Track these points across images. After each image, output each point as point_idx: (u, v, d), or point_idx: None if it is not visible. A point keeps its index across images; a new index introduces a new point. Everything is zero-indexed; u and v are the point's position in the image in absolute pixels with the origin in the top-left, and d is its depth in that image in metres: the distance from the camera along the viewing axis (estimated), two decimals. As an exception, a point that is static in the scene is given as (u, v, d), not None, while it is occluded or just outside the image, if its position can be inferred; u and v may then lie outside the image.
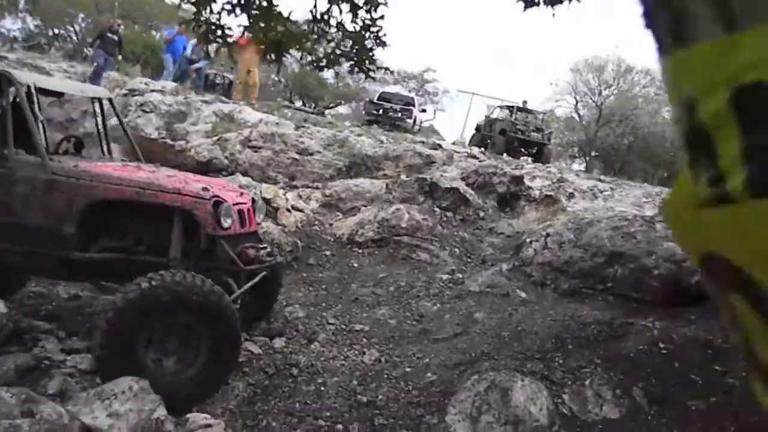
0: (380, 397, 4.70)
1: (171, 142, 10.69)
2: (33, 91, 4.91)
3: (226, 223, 4.88)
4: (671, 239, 7.25)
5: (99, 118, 5.96)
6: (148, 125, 11.09)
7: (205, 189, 4.88)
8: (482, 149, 20.61)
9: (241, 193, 5.64)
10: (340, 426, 4.27)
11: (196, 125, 11.17)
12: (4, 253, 4.72)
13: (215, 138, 10.85)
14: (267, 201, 8.13)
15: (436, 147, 11.81)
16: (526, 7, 6.30)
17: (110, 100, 6.01)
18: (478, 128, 22.74)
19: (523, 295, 7.27)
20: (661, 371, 5.33)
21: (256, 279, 5.07)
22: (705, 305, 6.79)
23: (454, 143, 15.56)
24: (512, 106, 21.82)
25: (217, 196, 4.89)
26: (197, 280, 4.16)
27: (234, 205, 5.06)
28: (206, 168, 10.30)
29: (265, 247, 5.41)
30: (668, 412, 4.88)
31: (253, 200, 5.67)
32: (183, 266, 4.54)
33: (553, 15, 6.40)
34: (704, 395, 5.09)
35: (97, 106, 6.01)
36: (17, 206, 4.65)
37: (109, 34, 14.26)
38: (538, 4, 6.38)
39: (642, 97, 33.59)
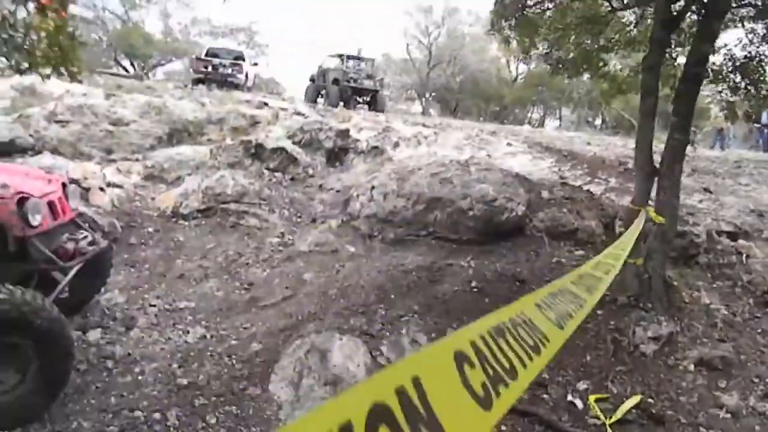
0: (201, 377, 4.65)
1: (-39, 125, 9.59)
2: None
3: (36, 220, 4.39)
4: (483, 181, 7.73)
5: None
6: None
7: (4, 186, 4.36)
8: (317, 101, 20.62)
9: (49, 180, 5.09)
10: (157, 414, 4.19)
11: (-9, 102, 10.09)
12: None
13: (16, 115, 9.88)
14: (75, 182, 7.58)
15: (262, 106, 11.58)
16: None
17: None
18: (312, 79, 22.52)
19: (352, 249, 7.45)
20: (473, 309, 5.73)
21: (73, 272, 4.68)
22: (515, 239, 7.38)
23: (284, 99, 15.30)
24: (342, 55, 21.77)
25: (21, 192, 4.38)
26: (24, 297, 3.78)
27: (42, 197, 4.57)
28: (9, 149, 9.39)
29: (85, 236, 5.04)
30: (478, 346, 5.28)
31: (64, 185, 5.21)
32: None
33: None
34: (510, 326, 5.55)
35: None
36: None
37: None
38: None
39: (468, 36, 34.88)
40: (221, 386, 4.60)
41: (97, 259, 5.10)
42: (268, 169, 9.32)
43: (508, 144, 11.09)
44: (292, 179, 9.37)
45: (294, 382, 4.57)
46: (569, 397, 4.86)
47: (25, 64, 3.05)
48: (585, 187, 8.87)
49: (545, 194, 7.98)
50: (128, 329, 5.38)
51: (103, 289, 6.03)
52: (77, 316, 5.49)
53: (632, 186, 9.46)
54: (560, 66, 6.57)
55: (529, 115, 37.79)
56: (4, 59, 3.01)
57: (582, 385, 5.01)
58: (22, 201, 4.35)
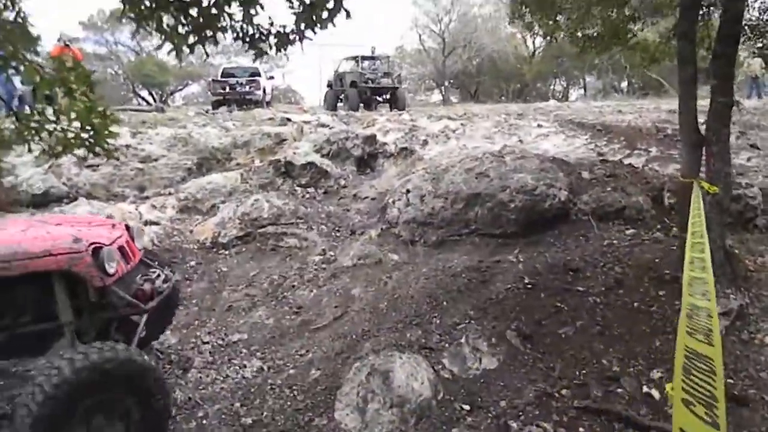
0: (265, 413, 4.58)
1: (-4, 182, 9.74)
2: None
3: (112, 269, 4.40)
4: (520, 170, 7.53)
5: None
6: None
7: (77, 240, 4.29)
8: (337, 106, 20.54)
9: (113, 225, 5.07)
10: (228, 458, 4.15)
11: (21, 156, 10.22)
12: None
13: (47, 165, 10.00)
14: (114, 226, 7.62)
15: (285, 122, 11.52)
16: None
17: None
18: (329, 85, 22.44)
19: (396, 257, 7.33)
20: (529, 306, 5.56)
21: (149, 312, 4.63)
22: (561, 226, 7.17)
23: (305, 111, 15.24)
24: (357, 56, 21.63)
25: (93, 242, 4.38)
26: (127, 353, 3.85)
27: (112, 244, 4.54)
28: (44, 200, 9.52)
29: (158, 274, 5.03)
30: (541, 346, 5.11)
31: (128, 227, 5.22)
32: (76, 327, 4.21)
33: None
34: (571, 320, 5.37)
35: None
36: None
37: None
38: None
39: (480, 17, 34.40)
40: (286, 420, 4.52)
41: (168, 296, 5.10)
42: (300, 186, 9.26)
43: (539, 126, 10.83)
44: (325, 193, 9.29)
45: (359, 408, 4.46)
46: (644, 389, 4.66)
47: (59, 148, 2.99)
48: (626, 161, 8.59)
49: (586, 175, 7.73)
50: (185, 371, 5.34)
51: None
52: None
53: (675, 153, 9.15)
54: (588, 44, 6.34)
55: (551, 88, 37.16)
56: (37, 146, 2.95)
57: (656, 374, 4.79)
58: (96, 251, 4.35)
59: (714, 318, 1.87)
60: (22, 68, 2.71)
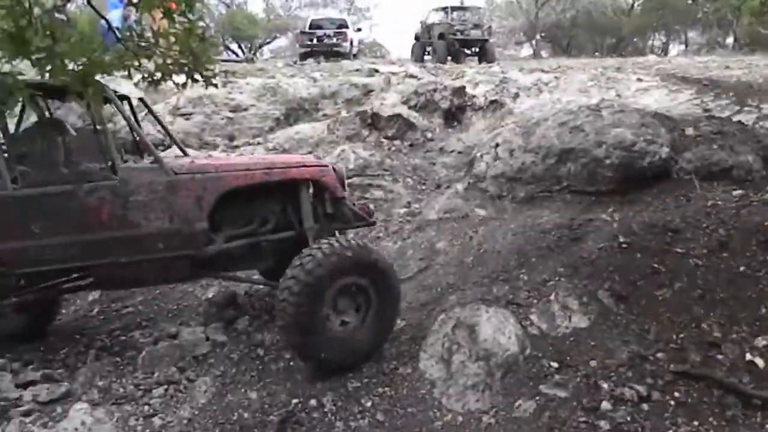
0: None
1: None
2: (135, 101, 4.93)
3: (345, 186, 5.26)
4: (618, 125, 7.15)
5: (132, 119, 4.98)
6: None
7: (318, 158, 5.27)
8: (424, 58, 20.19)
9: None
10: (313, 401, 4.20)
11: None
12: (117, 268, 4.50)
13: (142, 114, 10.36)
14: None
15: (373, 73, 11.41)
16: None
17: (141, 99, 5.25)
18: (416, 37, 22.05)
19: (482, 212, 7.19)
20: (624, 266, 5.31)
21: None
22: (661, 185, 6.79)
23: (392, 63, 15.06)
24: (446, 7, 21.08)
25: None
26: (363, 246, 4.55)
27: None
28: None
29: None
30: (636, 307, 4.89)
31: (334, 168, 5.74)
32: (317, 233, 4.90)
33: None
34: (669, 282, 5.10)
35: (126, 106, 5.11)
36: (134, 217, 4.42)
37: None
38: None
39: (576, -33, 32.71)
40: (371, 367, 4.57)
41: None
42: (386, 137, 9.18)
43: (639, 80, 10.24)
44: (411, 145, 9.18)
45: (444, 359, 4.44)
46: (748, 356, 4.38)
47: (158, 74, 3.00)
48: (734, 119, 8.00)
49: (690, 131, 7.24)
50: (273, 315, 5.47)
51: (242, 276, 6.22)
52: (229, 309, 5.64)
53: (790, 110, 8.45)
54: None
55: (650, 43, 35.12)
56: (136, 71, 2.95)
57: (761, 342, 4.49)
58: (334, 168, 5.18)
59: None
60: None
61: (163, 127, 5.45)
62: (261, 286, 5.96)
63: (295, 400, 4.26)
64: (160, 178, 4.47)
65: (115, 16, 11.29)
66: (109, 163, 4.49)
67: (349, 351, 4.46)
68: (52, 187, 4.30)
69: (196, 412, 4.21)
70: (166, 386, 4.48)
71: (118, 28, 3.15)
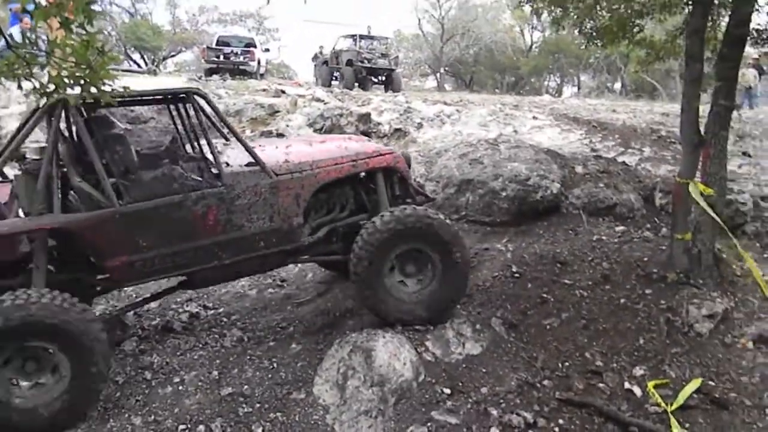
0: (243, 383, 4.51)
1: None
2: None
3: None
4: (514, 159, 7.47)
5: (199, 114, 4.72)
6: None
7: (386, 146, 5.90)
8: (331, 83, 20.33)
9: None
10: (201, 427, 4.04)
11: (8, 108, 9.98)
12: (217, 269, 4.66)
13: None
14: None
15: (280, 94, 11.35)
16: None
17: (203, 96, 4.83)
18: (316, 57, 22.33)
19: (383, 237, 7.24)
20: (516, 295, 5.52)
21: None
22: (551, 219, 7.13)
23: (299, 85, 15.05)
24: (355, 35, 21.39)
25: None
26: (424, 212, 4.86)
27: None
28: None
29: None
30: (525, 335, 5.09)
31: None
32: None
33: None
34: (556, 312, 5.34)
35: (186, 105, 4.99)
36: (238, 220, 4.57)
37: None
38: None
39: (480, 7, 34.21)
40: (264, 392, 4.46)
41: None
42: (290, 159, 9.11)
43: (534, 118, 10.78)
44: (315, 168, 9.15)
45: (339, 384, 4.41)
46: (626, 385, 4.65)
47: (51, 86, 2.81)
48: (619, 159, 8.57)
49: (579, 169, 7.69)
50: (164, 336, 5.25)
51: (134, 296, 5.97)
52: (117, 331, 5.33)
53: (668, 155, 9.15)
54: (595, 36, 6.26)
55: (546, 83, 37.11)
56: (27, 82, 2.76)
57: (639, 371, 4.79)
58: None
59: None
60: None
61: (226, 123, 5.05)
62: (152, 305, 5.73)
63: (182, 426, 4.08)
64: (263, 181, 4.64)
65: (15, 32, 10.73)
66: (214, 170, 4.55)
67: (412, 308, 4.90)
68: (159, 200, 4.32)
69: (73, 440, 3.93)
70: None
71: (11, 35, 2.96)
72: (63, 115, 4.22)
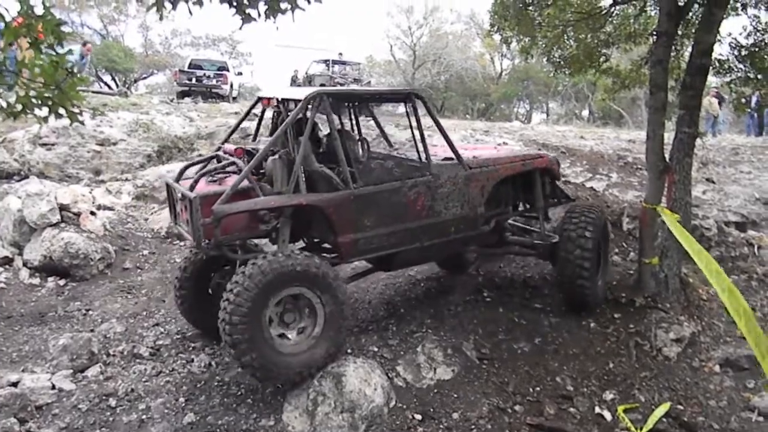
0: (210, 411, 4.42)
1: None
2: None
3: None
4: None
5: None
6: None
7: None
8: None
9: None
10: (167, 456, 3.96)
11: (-29, 128, 9.78)
12: (414, 252, 5.09)
13: (-1, 139, 9.59)
14: (65, 207, 7.30)
15: (252, 117, 11.28)
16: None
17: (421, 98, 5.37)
18: (299, 85, 22.27)
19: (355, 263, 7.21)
20: (487, 320, 5.53)
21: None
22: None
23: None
24: (328, 60, 21.53)
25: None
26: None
27: None
28: (-6, 175, 9.13)
29: None
30: (497, 360, 5.08)
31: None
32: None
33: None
34: (528, 336, 5.36)
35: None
36: (438, 206, 5.10)
37: None
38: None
39: (451, 35, 34.72)
40: (232, 420, 4.36)
41: None
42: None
43: (504, 143, 10.90)
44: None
45: (309, 411, 4.33)
46: (597, 409, 4.67)
47: (18, 107, 2.76)
48: (587, 184, 8.70)
49: (549, 194, 7.77)
50: (130, 362, 5.13)
51: (100, 320, 5.85)
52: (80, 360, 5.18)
53: (635, 181, 9.33)
54: (563, 64, 6.40)
55: (515, 110, 37.68)
56: None
57: (608, 395, 4.82)
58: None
59: None
60: None
61: (436, 120, 5.38)
62: (118, 330, 5.62)
63: (146, 456, 3.97)
64: (460, 173, 5.24)
65: None
66: (425, 160, 5.03)
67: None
68: (384, 185, 4.86)
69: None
70: (1, 440, 4.04)
71: None
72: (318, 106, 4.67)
